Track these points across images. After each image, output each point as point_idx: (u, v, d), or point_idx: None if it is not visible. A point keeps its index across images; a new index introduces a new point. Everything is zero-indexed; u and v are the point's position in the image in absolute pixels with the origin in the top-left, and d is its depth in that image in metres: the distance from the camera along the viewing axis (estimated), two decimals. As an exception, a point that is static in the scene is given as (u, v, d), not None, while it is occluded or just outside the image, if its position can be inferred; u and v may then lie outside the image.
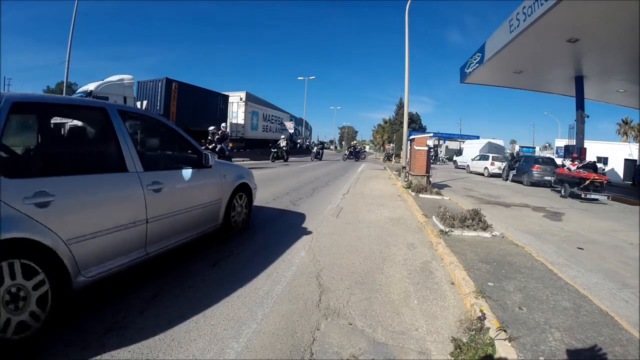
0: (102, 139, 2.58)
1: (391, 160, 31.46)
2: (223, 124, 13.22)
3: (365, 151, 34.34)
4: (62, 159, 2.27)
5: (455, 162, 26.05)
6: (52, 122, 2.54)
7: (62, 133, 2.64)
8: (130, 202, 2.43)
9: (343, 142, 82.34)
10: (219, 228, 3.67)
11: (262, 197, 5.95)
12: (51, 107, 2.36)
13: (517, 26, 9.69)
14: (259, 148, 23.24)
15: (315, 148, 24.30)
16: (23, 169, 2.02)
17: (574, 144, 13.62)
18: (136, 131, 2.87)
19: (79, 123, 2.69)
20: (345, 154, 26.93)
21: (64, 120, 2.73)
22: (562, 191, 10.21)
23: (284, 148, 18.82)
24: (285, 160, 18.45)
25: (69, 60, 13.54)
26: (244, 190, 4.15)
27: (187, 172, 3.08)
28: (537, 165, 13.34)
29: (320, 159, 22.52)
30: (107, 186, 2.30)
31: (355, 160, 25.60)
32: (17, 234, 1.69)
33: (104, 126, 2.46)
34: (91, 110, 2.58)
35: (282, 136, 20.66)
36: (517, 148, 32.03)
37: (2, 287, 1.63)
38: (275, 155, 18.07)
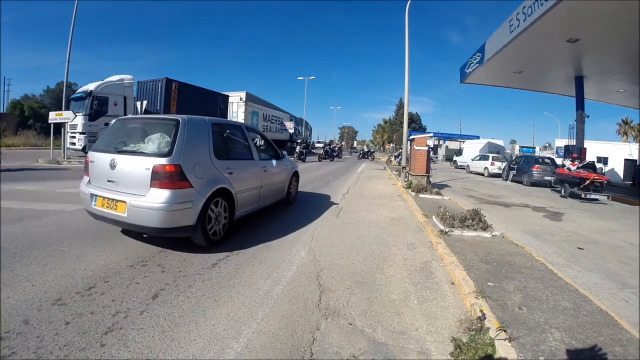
0: (242, 141, 4.49)
1: (367, 158, 29.26)
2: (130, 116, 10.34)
3: (340, 150, 29.42)
4: (232, 151, 4.15)
5: (455, 162, 26.03)
6: (223, 130, 4.14)
7: (229, 137, 4.25)
8: (256, 176, 4.44)
9: (343, 142, 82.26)
10: (283, 199, 5.69)
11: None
12: (223, 125, 4.24)
13: (517, 26, 9.68)
14: None
15: (298, 147, 20.86)
16: (222, 155, 3.73)
17: (574, 144, 13.61)
18: (253, 138, 4.84)
19: (233, 133, 4.45)
20: (321, 154, 23.48)
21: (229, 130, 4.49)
22: (562, 191, 10.21)
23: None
24: None
25: (69, 60, 13.50)
26: (295, 176, 6.24)
27: (274, 162, 5.19)
28: (537, 165, 13.35)
29: (304, 161, 19.74)
30: (249, 167, 4.33)
31: (330, 161, 22.85)
32: (223, 185, 3.56)
33: (242, 135, 4.53)
34: (237, 126, 4.64)
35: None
36: (516, 149, 31.99)
37: (215, 210, 3.48)
38: None
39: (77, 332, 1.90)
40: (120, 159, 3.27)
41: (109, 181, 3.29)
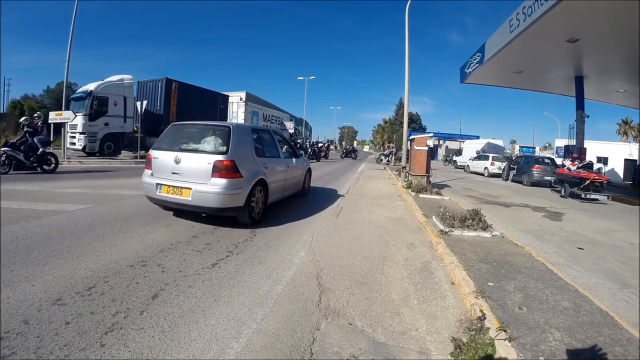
0: (271, 143, 5.46)
1: (350, 157, 28.38)
2: (37, 113, 9.44)
3: (327, 149, 28.09)
4: (265, 150, 5.06)
5: (454, 162, 26.00)
6: (246, 133, 4.78)
7: (262, 139, 5.13)
8: (282, 171, 5.43)
9: (343, 142, 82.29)
10: (300, 192, 6.74)
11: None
12: (258, 129, 5.38)
13: (517, 26, 9.69)
14: None
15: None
16: (259, 153, 4.72)
17: (574, 144, 13.62)
18: (278, 140, 5.85)
19: (265, 135, 5.44)
20: (310, 154, 22.21)
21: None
22: (562, 191, 10.21)
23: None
24: None
25: (69, 60, 13.50)
26: (309, 172, 7.31)
27: (294, 160, 6.15)
28: (537, 165, 13.35)
29: None
30: (277, 163, 5.31)
31: (317, 161, 21.91)
32: (262, 177, 4.52)
33: (271, 137, 5.55)
34: (267, 130, 5.77)
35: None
36: (516, 149, 31.95)
37: (257, 195, 4.44)
38: None
39: (77, 332, 1.90)
40: (184, 155, 4.14)
41: (173, 173, 4.12)
